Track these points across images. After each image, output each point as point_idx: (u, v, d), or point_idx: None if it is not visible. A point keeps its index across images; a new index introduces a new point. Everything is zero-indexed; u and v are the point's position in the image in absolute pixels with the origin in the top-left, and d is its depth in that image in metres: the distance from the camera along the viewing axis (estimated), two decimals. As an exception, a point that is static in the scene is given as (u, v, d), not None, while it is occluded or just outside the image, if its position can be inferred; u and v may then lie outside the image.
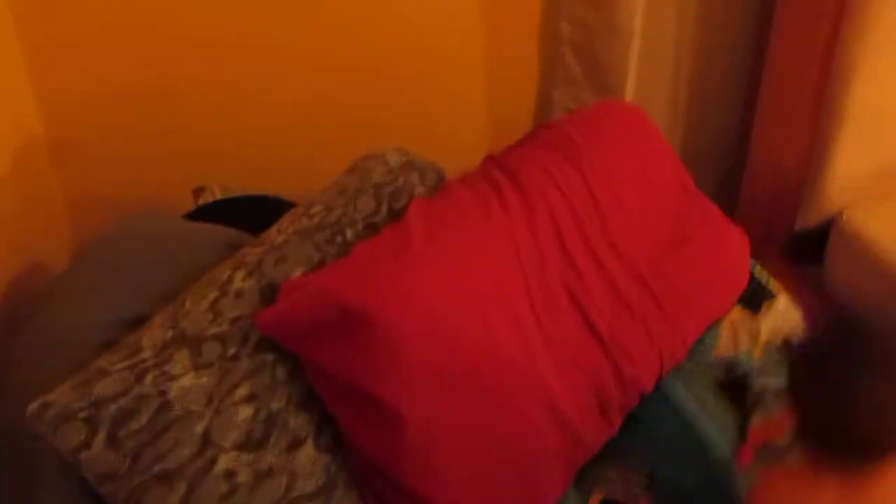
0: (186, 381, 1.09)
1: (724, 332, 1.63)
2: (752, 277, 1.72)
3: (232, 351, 1.14)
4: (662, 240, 1.60)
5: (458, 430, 1.18)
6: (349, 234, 1.34)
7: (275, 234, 1.32)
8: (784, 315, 1.68)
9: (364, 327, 1.12)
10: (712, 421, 1.48)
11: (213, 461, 1.07)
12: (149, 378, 1.08)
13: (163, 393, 1.07)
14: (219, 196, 1.81)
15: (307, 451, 1.15)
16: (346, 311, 1.12)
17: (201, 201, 1.82)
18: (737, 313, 1.65)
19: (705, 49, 2.21)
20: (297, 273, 1.24)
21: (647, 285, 1.52)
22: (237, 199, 1.80)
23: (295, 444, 1.14)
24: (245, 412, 1.11)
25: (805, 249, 2.33)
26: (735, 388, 1.54)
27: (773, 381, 1.53)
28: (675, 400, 1.51)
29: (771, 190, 2.18)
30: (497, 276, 1.29)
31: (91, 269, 1.36)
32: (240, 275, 1.22)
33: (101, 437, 1.03)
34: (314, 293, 1.14)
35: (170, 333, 1.13)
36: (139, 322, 1.21)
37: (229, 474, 1.08)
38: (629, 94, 2.12)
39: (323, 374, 1.15)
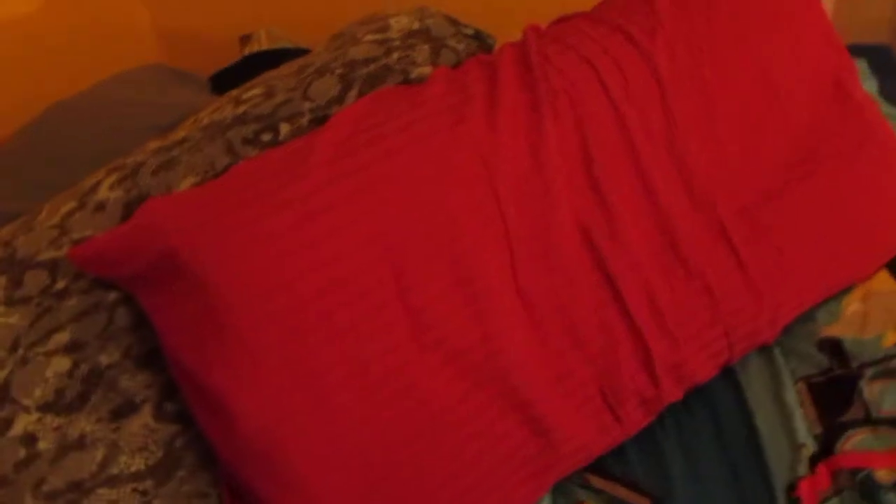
0: (-9, 318, 0.88)
1: (851, 307, 1.12)
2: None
3: (60, 285, 0.91)
4: (775, 167, 1.09)
5: (327, 434, 0.87)
6: (284, 130, 1.02)
7: (188, 124, 1.03)
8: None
9: (189, 284, 0.83)
10: (781, 432, 1.03)
11: (10, 421, 0.87)
12: (-53, 310, 0.88)
13: (-42, 331, 0.88)
14: (265, 46, 1.54)
15: (142, 420, 0.91)
16: (168, 257, 0.83)
17: (247, 51, 1.56)
18: (879, 283, 1.13)
19: None
20: (185, 185, 0.96)
21: (727, 236, 1.06)
22: (284, 51, 1.51)
23: (124, 410, 0.90)
24: (58, 365, 0.89)
25: None
26: (836, 390, 1.06)
27: (897, 395, 1.03)
28: (734, 396, 1.07)
29: None
30: (445, 213, 0.92)
31: (34, 136, 1.17)
32: (110, 181, 0.96)
33: None
34: (137, 225, 0.86)
35: (0, 252, 0.92)
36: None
37: (28, 438, 0.87)
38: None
39: (159, 328, 0.89)
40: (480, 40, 1.20)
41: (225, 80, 1.48)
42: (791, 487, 0.98)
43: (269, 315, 0.83)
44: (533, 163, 0.98)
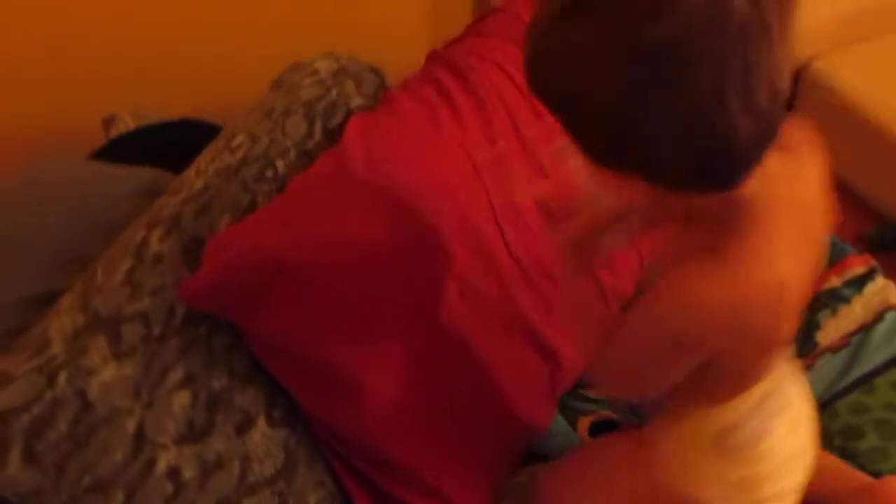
0: (107, 374, 0.93)
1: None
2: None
3: (157, 330, 0.98)
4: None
5: (425, 382, 1.04)
6: (280, 165, 1.16)
7: (193, 176, 1.13)
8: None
9: (305, 287, 0.96)
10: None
11: (153, 461, 0.93)
12: (62, 378, 0.92)
13: (81, 393, 0.91)
14: (131, 126, 1.60)
15: (260, 430, 1.01)
16: (281, 269, 0.96)
17: (113, 133, 1.61)
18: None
19: None
20: (224, 223, 1.07)
21: None
22: (153, 128, 1.58)
23: (245, 425, 1.00)
24: (182, 399, 0.96)
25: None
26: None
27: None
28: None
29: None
30: (457, 200, 1.13)
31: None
32: (157, 234, 1.04)
33: (15, 454, 0.88)
34: (242, 252, 0.98)
35: (81, 318, 0.96)
36: (53, 298, 1.05)
37: (173, 472, 0.94)
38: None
39: (266, 343, 1.00)
40: (376, 72, 1.41)
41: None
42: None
43: (382, 291, 0.99)
44: (490, 146, 1.22)
